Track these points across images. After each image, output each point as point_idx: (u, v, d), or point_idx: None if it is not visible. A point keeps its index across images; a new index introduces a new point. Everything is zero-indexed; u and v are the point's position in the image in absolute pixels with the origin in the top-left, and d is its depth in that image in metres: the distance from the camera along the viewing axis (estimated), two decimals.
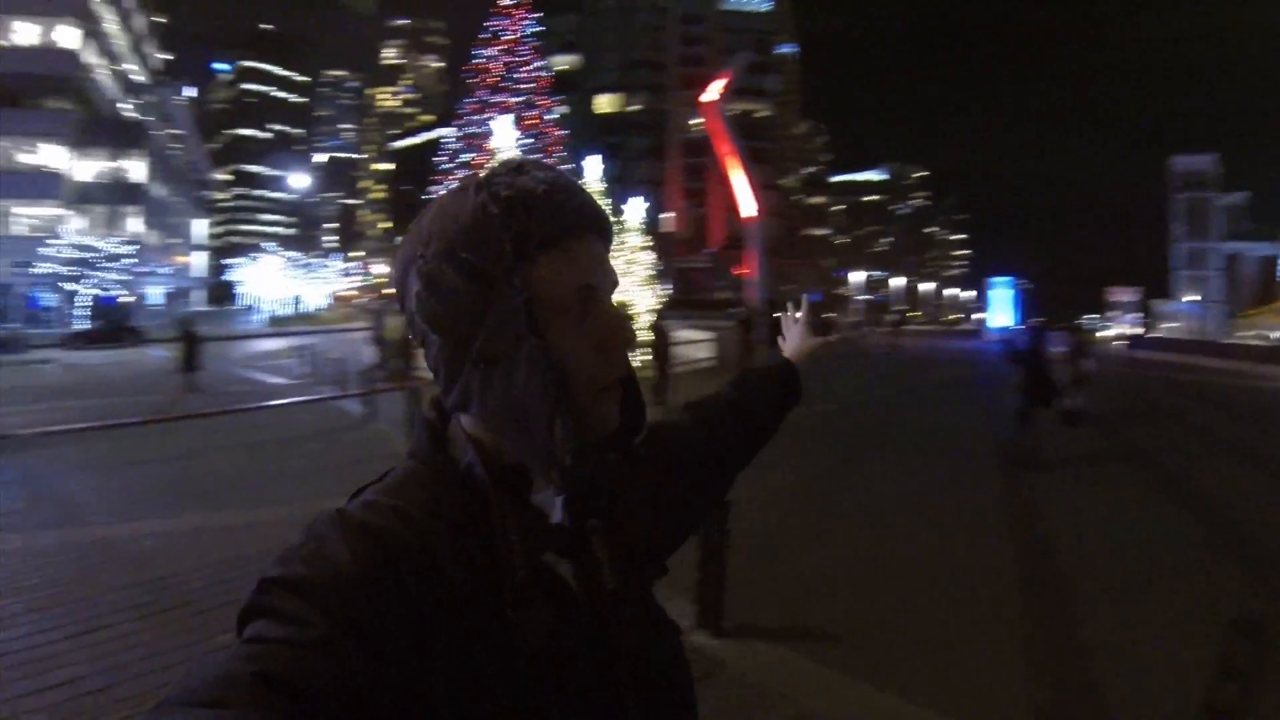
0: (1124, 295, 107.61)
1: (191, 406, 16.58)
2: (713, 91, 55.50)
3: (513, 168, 0.98)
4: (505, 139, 22.50)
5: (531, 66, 28.06)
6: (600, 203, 1.01)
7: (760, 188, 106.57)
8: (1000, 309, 63.33)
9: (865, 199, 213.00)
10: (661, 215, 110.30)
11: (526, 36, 28.21)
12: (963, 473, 11.86)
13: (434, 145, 35.04)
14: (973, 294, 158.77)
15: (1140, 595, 6.81)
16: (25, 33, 52.07)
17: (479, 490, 0.95)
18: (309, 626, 0.78)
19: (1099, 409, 18.05)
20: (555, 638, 0.92)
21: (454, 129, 28.89)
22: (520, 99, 27.34)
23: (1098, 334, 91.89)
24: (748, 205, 53.29)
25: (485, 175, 0.97)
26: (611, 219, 1.03)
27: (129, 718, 4.38)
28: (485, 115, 26.52)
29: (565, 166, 27.98)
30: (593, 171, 23.89)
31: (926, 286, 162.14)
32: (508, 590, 0.90)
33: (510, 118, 23.98)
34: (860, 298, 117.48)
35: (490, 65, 27.76)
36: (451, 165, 28.31)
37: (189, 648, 5.28)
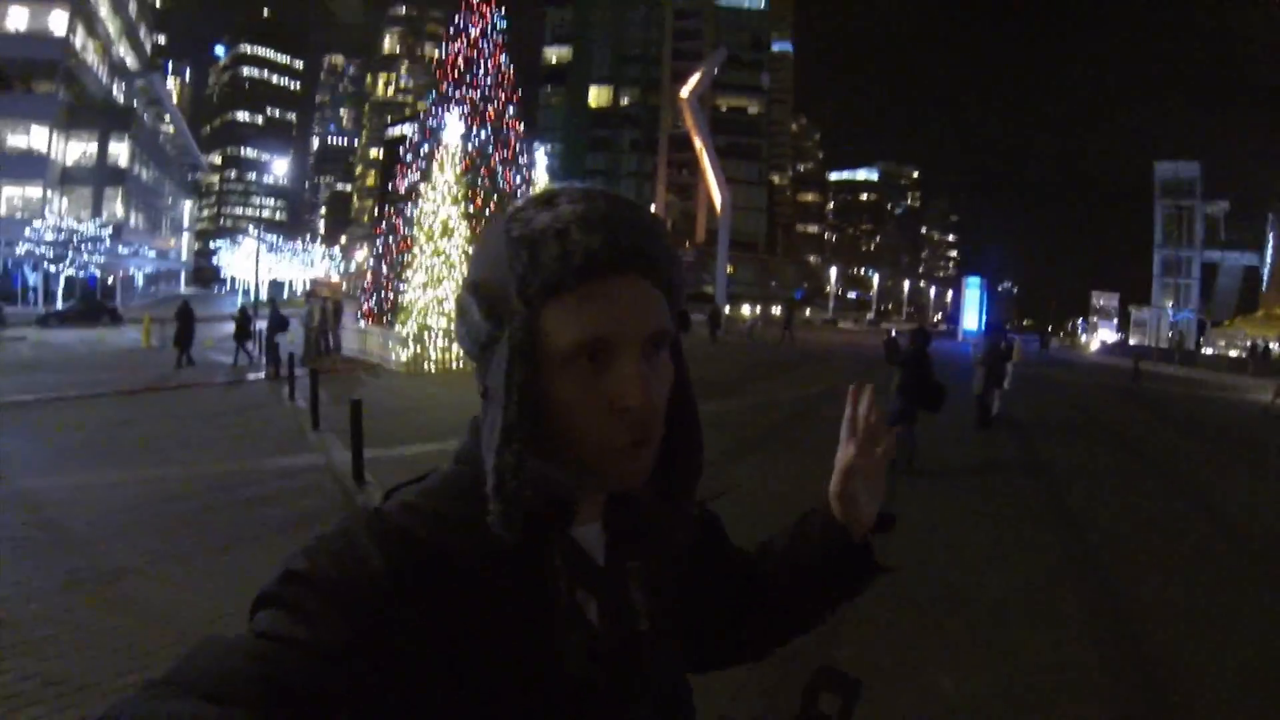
0: (1102, 300, 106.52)
1: (141, 382, 17.86)
2: (687, 87, 56.25)
3: (543, 200, 0.91)
4: (454, 134, 23.53)
5: (494, 62, 28.74)
6: (651, 233, 0.91)
7: (744, 183, 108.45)
8: (971, 309, 63.33)
9: (860, 197, 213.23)
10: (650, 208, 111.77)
11: (492, 32, 28.86)
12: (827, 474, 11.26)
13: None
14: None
15: (932, 618, 6.18)
16: (16, 17, 52.71)
17: (527, 514, 0.89)
18: (330, 632, 0.76)
19: (1022, 416, 18.28)
20: (590, 667, 0.92)
21: (413, 125, 29.95)
22: (479, 93, 28.10)
23: (1081, 338, 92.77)
24: (717, 200, 53.99)
25: (513, 208, 0.93)
26: (666, 249, 0.92)
27: None
28: (444, 109, 27.34)
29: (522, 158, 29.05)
30: (540, 161, 24.78)
31: (911, 286, 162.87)
32: (552, 613, 0.90)
33: (458, 112, 25.02)
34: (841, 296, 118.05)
35: (451, 60, 28.53)
36: (413, 159, 29.22)
37: (43, 571, 6.49)
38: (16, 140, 52.40)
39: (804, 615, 1.25)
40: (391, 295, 26.60)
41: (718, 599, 1.22)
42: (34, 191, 51.91)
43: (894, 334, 27.39)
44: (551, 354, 0.86)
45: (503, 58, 29.05)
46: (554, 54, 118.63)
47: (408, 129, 33.46)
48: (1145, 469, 13.90)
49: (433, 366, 22.29)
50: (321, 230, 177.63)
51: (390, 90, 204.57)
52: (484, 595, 0.87)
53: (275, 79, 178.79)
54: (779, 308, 59.74)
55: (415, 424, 13.73)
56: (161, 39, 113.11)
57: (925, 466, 11.90)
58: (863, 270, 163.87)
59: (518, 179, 28.39)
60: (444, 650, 0.82)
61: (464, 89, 27.90)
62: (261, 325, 23.74)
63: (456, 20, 28.99)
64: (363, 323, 27.77)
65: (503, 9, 29.19)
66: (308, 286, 62.64)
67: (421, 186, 24.65)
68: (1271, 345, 57.77)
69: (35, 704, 4.42)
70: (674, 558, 1.10)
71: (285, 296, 68.92)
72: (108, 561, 6.74)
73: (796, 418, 16.85)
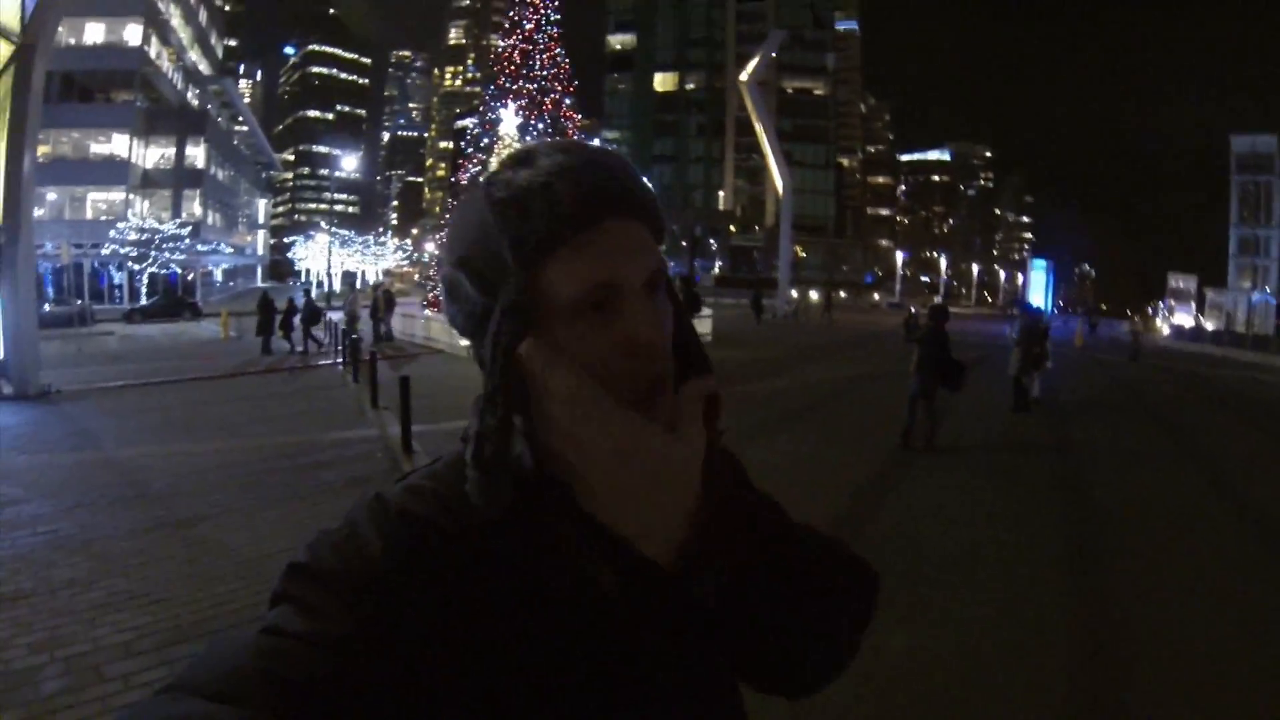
0: (1180, 282, 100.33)
1: (218, 369, 19.25)
2: (745, 72, 56.50)
3: (517, 159, 0.88)
4: (511, 126, 24.46)
5: (550, 54, 29.48)
6: (632, 177, 0.89)
7: (811, 167, 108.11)
8: (1038, 292, 62.15)
9: (932, 178, 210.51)
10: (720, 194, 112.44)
11: (546, 24, 29.60)
12: (856, 450, 11.79)
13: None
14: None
15: (900, 585, 6.36)
16: (94, 32, 55.29)
17: (530, 486, 0.85)
18: (331, 623, 0.74)
19: (1063, 398, 18.31)
20: (603, 645, 0.85)
21: (474, 118, 31.07)
22: (536, 86, 28.87)
23: (1157, 322, 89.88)
24: (779, 184, 54.33)
25: (488, 174, 0.89)
26: (647, 191, 0.91)
27: (76, 557, 6.63)
28: (501, 103, 28.22)
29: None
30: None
31: (981, 268, 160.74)
32: (560, 588, 0.85)
33: (513, 106, 25.91)
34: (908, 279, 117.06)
35: (508, 54, 29.35)
36: (473, 151, 30.21)
37: (131, 518, 7.63)
38: (99, 148, 54.89)
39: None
40: None
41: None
42: (117, 195, 54.32)
43: (914, 311, 27.73)
44: (556, 310, 0.83)
45: (558, 50, 29.78)
46: (618, 41, 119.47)
47: (470, 121, 34.66)
48: (1178, 452, 13.60)
49: None
50: (394, 222, 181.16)
51: (458, 82, 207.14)
52: (489, 572, 0.83)
53: (344, 75, 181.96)
54: (818, 292, 59.99)
55: (468, 401, 14.59)
56: (232, 42, 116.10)
57: (947, 444, 12.26)
58: (935, 253, 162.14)
59: None
60: (451, 630, 0.80)
61: (521, 82, 28.73)
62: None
63: (512, 15, 29.92)
64: (428, 310, 28.84)
65: (556, 2, 29.91)
66: (380, 278, 64.24)
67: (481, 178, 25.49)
68: None
69: (120, 611, 5.46)
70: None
71: (359, 286, 70.57)
72: (184, 512, 7.81)
73: (825, 400, 17.40)
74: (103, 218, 52.72)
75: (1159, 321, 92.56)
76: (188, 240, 52.61)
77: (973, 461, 11.64)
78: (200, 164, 60.16)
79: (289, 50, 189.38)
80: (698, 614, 0.89)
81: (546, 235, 0.82)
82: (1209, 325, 76.12)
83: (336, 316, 27.22)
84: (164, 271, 51.53)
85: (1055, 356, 17.72)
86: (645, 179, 0.92)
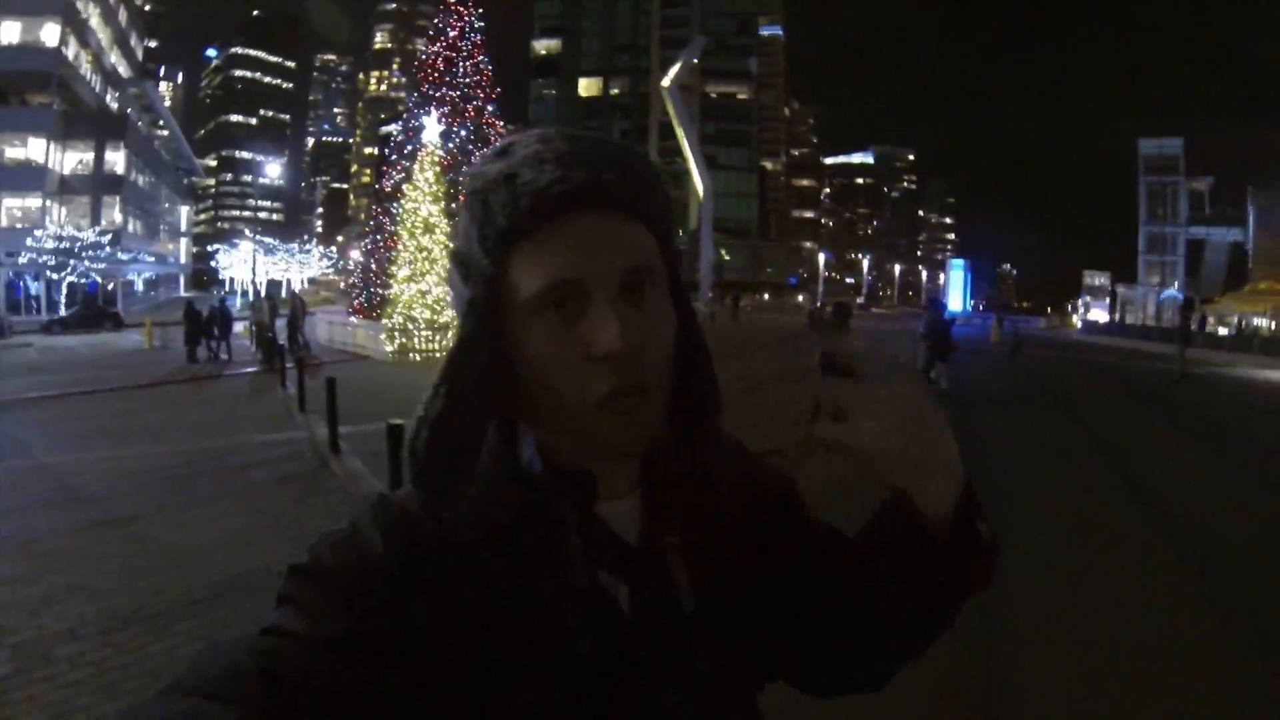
0: (1094, 279, 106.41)
1: (143, 378, 19.28)
2: (667, 78, 57.26)
3: (500, 150, 0.84)
4: (433, 133, 24.78)
5: (473, 61, 29.75)
6: (619, 165, 0.81)
7: (735, 170, 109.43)
8: (956, 291, 63.98)
9: (856, 181, 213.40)
10: None
11: (470, 32, 29.86)
12: (762, 447, 12.03)
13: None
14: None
15: None
16: (9, 31, 53.52)
17: (539, 491, 0.85)
18: (329, 623, 0.74)
19: (971, 390, 18.98)
20: (610, 653, 0.83)
21: (397, 125, 31.41)
22: (459, 93, 29.15)
23: (1073, 318, 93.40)
24: (700, 187, 55.17)
25: (473, 164, 0.86)
26: (639, 181, 0.83)
27: (15, 557, 6.86)
28: (424, 110, 28.48)
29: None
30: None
31: (904, 269, 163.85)
32: (564, 598, 0.82)
33: (436, 114, 26.24)
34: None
35: (432, 61, 29.60)
36: (397, 158, 30.43)
37: (67, 520, 7.88)
38: (14, 152, 53.45)
39: (902, 627, 0.94)
40: (380, 291, 27.71)
41: (796, 582, 0.99)
42: (33, 202, 52.92)
43: (820, 306, 28.69)
44: (519, 307, 0.80)
45: (482, 57, 30.09)
46: (543, 47, 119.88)
47: (394, 128, 34.96)
48: (1076, 438, 14.19)
49: (418, 356, 23.43)
50: (319, 229, 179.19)
51: (383, 87, 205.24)
52: (492, 578, 0.82)
53: (268, 79, 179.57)
54: (727, 295, 61.12)
55: (392, 403, 14.88)
56: (153, 44, 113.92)
57: None
58: (858, 254, 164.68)
59: None
60: (451, 633, 0.79)
61: (444, 89, 29.00)
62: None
63: (436, 22, 30.19)
64: (354, 318, 28.98)
65: (480, 9, 30.18)
66: (305, 286, 63.72)
67: (405, 186, 25.69)
68: (1259, 322, 57.63)
69: (62, 602, 5.77)
70: (731, 530, 0.95)
71: (283, 295, 70.05)
72: (116, 512, 8.11)
73: (732, 399, 17.93)
74: (18, 225, 51.40)
75: (1074, 317, 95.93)
76: (108, 249, 51.09)
77: None
78: (120, 170, 58.76)
79: (211, 53, 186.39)
80: (707, 622, 0.90)
81: (506, 227, 0.79)
82: (1128, 320, 79.01)
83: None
84: (83, 281, 50.10)
85: (971, 352, 18.35)
86: (654, 171, 0.87)
